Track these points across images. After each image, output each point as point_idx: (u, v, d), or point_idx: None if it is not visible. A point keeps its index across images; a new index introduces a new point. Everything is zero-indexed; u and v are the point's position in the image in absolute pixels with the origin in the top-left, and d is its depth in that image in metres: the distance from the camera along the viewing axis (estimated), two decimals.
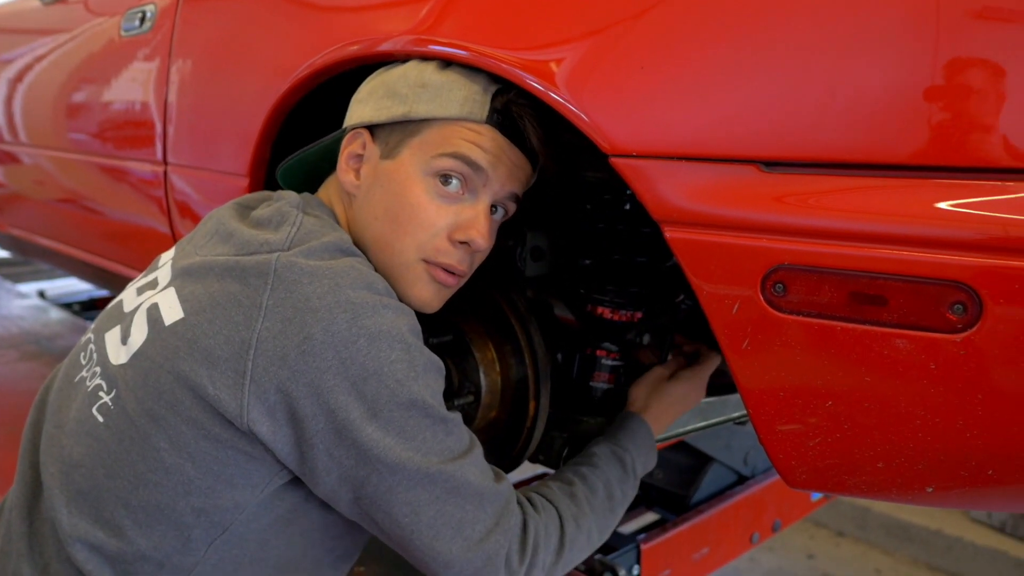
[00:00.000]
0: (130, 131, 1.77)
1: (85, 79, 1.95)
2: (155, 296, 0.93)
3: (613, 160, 0.86)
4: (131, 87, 1.75)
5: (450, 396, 1.19)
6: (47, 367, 2.53)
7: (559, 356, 1.32)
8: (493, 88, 0.97)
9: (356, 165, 1.01)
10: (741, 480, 2.01)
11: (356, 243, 0.99)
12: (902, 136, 0.71)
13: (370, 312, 0.84)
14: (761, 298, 0.78)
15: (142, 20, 1.72)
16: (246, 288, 0.85)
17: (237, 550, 0.89)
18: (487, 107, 0.96)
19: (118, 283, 2.08)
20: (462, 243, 0.97)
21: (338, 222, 1.01)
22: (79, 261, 2.24)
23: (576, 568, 1.59)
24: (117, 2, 1.86)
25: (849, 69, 0.72)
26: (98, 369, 0.95)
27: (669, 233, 0.83)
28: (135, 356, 0.90)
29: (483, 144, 0.96)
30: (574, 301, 1.35)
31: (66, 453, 0.92)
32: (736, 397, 1.46)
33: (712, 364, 1.28)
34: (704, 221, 0.81)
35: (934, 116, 0.69)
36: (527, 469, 1.35)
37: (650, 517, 1.96)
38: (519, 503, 0.96)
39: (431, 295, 0.99)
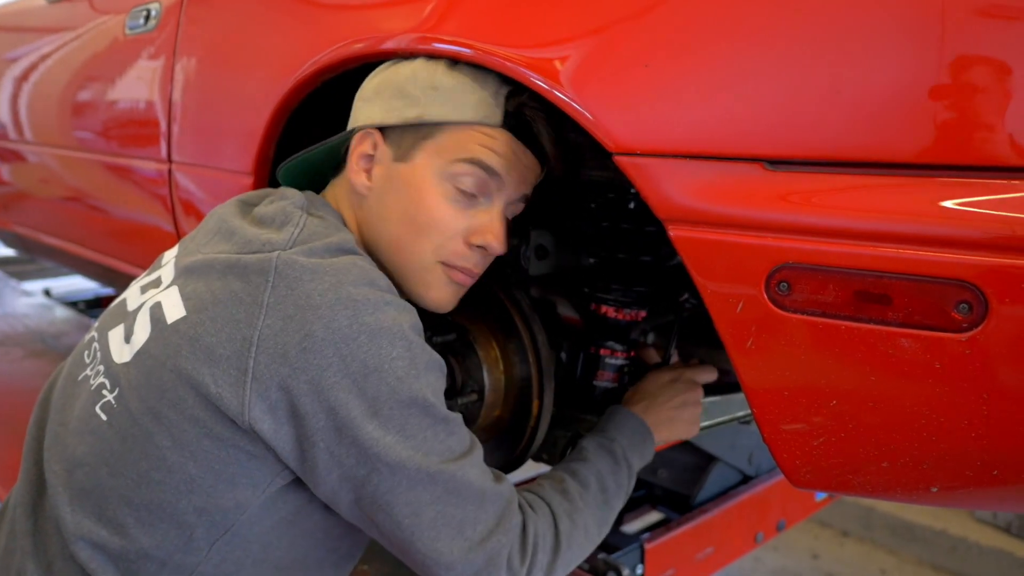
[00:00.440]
0: (134, 129, 1.77)
1: (89, 77, 1.96)
2: (158, 295, 0.93)
3: (617, 158, 0.85)
4: (135, 85, 1.76)
5: (453, 395, 1.19)
6: (52, 365, 2.53)
7: (563, 355, 1.32)
8: (505, 90, 0.97)
9: (367, 166, 1.00)
10: (745, 480, 2.00)
11: (367, 244, 1.00)
12: (907, 134, 0.70)
13: (371, 309, 0.83)
14: (765, 297, 0.78)
15: (146, 18, 1.72)
16: (247, 286, 0.85)
17: (240, 551, 0.89)
18: (501, 110, 0.97)
19: (123, 281, 2.08)
20: (478, 247, 0.99)
21: (344, 222, 1.00)
22: (84, 259, 2.25)
23: (579, 567, 1.58)
24: (121, 0, 1.86)
25: (854, 66, 0.72)
26: (102, 367, 0.95)
27: (673, 232, 0.83)
28: (138, 355, 0.90)
29: (497, 149, 0.97)
30: (578, 300, 1.35)
31: (69, 451, 0.92)
32: (740, 396, 1.45)
33: (702, 369, 1.27)
34: (708, 219, 0.80)
35: (939, 114, 0.69)
36: (530, 468, 1.34)
37: (654, 516, 1.96)
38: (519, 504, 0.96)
39: (449, 296, 1.01)
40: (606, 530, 1.07)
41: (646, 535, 1.68)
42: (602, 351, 1.28)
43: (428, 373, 0.87)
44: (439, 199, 0.96)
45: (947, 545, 3.00)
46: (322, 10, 1.25)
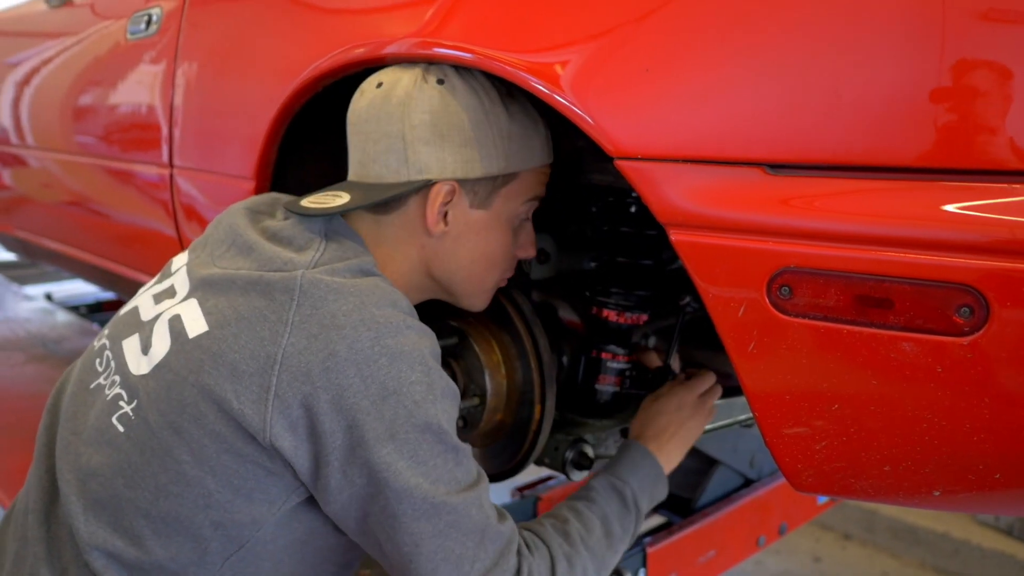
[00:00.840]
0: (136, 134, 1.78)
1: (91, 82, 1.96)
2: (176, 307, 0.93)
3: (618, 163, 0.86)
4: (137, 90, 1.76)
5: None
6: (54, 370, 2.53)
7: (564, 359, 1.32)
8: (541, 121, 1.03)
9: (444, 211, 0.99)
10: (747, 483, 2.00)
11: (432, 273, 1.03)
12: (908, 138, 0.70)
13: (393, 332, 0.85)
14: (767, 301, 0.78)
15: (148, 23, 1.72)
16: (272, 303, 0.85)
17: (252, 568, 0.90)
18: (551, 145, 1.05)
19: (124, 285, 2.08)
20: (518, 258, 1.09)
21: (364, 246, 0.97)
22: (86, 263, 2.25)
23: None
24: (123, 5, 1.86)
25: (855, 71, 0.72)
26: (117, 378, 0.95)
27: (674, 236, 0.83)
28: (158, 367, 0.90)
29: (547, 180, 1.07)
30: (579, 304, 1.35)
31: (83, 461, 0.92)
32: (742, 400, 1.45)
33: (707, 382, 1.25)
34: (709, 224, 0.80)
35: (940, 118, 0.69)
36: (532, 472, 1.34)
37: (656, 520, 1.96)
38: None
39: (489, 300, 1.10)
40: (606, 573, 1.05)
41: (648, 539, 1.68)
42: (603, 355, 1.28)
43: (444, 399, 0.88)
44: (509, 236, 1.05)
45: (949, 548, 3.00)
46: (323, 15, 1.25)
